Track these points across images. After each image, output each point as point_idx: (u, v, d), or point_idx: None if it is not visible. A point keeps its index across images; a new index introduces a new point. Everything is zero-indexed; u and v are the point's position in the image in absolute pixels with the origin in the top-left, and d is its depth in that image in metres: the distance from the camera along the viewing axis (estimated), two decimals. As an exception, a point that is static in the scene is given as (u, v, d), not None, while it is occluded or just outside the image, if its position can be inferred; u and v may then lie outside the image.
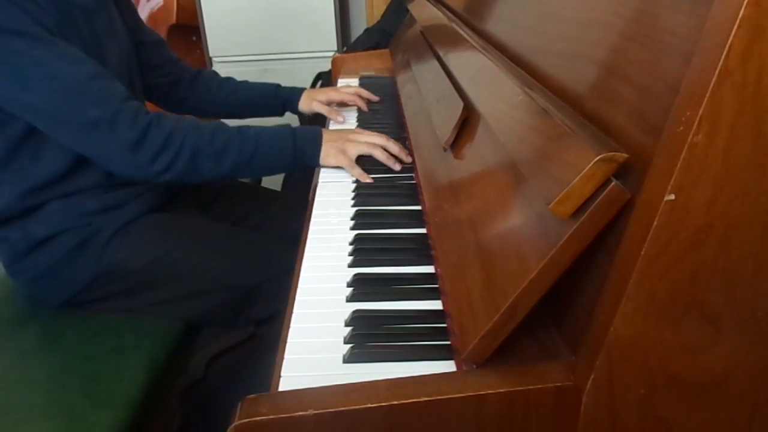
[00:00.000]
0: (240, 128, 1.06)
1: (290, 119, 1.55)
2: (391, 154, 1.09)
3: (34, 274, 1.10)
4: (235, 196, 1.37)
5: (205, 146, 1.01)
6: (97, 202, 1.09)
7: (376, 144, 1.08)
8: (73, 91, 0.95)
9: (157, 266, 1.09)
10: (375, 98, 1.43)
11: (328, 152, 1.07)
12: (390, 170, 1.10)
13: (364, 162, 1.09)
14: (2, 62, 0.93)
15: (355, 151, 1.07)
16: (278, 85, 1.43)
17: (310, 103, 1.40)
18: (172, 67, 1.35)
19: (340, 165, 1.07)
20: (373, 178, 1.06)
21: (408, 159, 1.10)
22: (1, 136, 1.01)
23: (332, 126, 1.35)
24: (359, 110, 1.42)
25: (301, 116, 1.54)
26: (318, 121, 1.47)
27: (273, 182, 1.98)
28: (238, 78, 1.45)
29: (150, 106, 1.37)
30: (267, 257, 1.13)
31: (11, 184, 1.05)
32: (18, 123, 1.00)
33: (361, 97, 1.42)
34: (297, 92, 1.41)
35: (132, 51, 1.21)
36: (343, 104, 1.43)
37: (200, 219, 1.24)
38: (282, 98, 1.41)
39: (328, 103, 1.40)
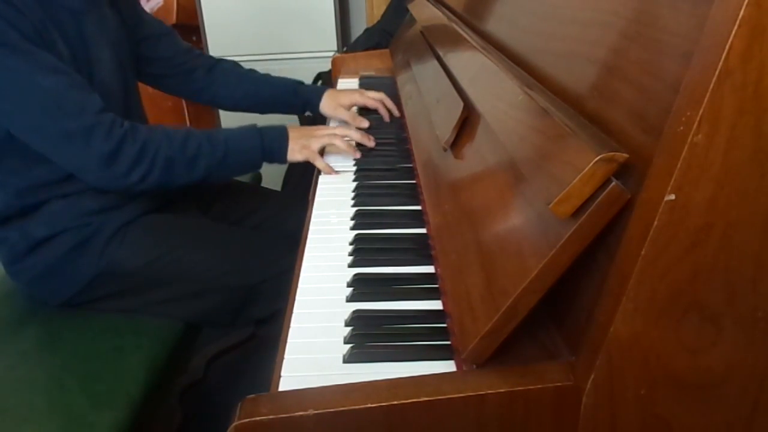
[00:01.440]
0: (209, 134, 1.08)
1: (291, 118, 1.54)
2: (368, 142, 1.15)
3: (34, 274, 1.10)
4: (235, 196, 1.37)
5: (178, 154, 1.03)
6: (97, 202, 1.09)
7: (336, 134, 1.15)
8: (48, 103, 0.95)
9: (157, 266, 1.09)
10: (397, 113, 1.37)
11: (293, 149, 1.12)
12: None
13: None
14: None
15: (317, 144, 1.13)
16: (300, 83, 1.41)
17: (335, 108, 1.36)
18: (183, 57, 1.33)
19: (305, 159, 1.12)
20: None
21: (371, 143, 1.17)
22: None
23: (331, 124, 1.34)
24: (359, 110, 1.40)
25: (301, 118, 1.53)
26: (318, 120, 1.46)
27: (273, 182, 1.98)
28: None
29: (164, 97, 1.37)
30: (267, 257, 1.13)
31: (10, 182, 1.05)
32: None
33: (385, 105, 1.37)
34: (319, 91, 1.38)
35: (128, 49, 1.19)
36: (365, 108, 1.38)
37: (200, 219, 1.24)
38: (303, 97, 1.39)
39: (351, 105, 1.37)
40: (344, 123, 1.32)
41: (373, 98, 1.38)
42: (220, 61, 1.39)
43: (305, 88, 1.40)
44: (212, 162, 1.06)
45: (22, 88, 0.94)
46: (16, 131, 0.99)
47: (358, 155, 1.15)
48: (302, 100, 1.40)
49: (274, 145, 1.11)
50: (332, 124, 1.37)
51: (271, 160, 1.13)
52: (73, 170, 1.03)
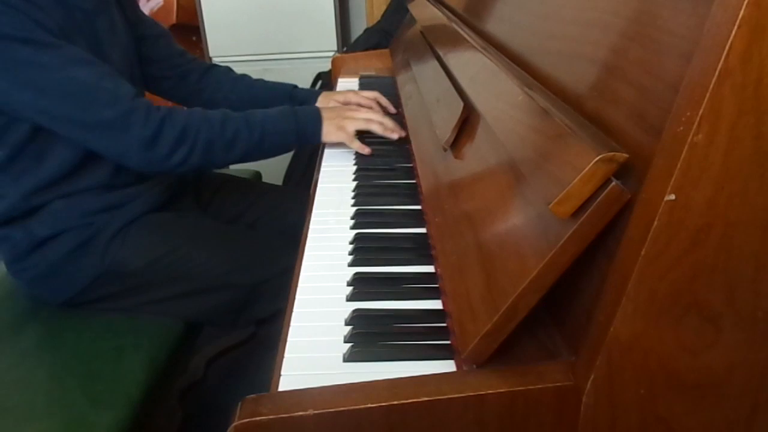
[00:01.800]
0: (246, 115, 1.09)
1: None
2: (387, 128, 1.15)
3: (36, 274, 1.10)
4: (235, 192, 1.37)
5: (217, 137, 1.05)
6: (99, 202, 1.09)
7: (373, 120, 1.15)
8: (84, 94, 0.96)
9: (159, 265, 1.10)
10: (392, 110, 1.38)
11: (328, 129, 1.13)
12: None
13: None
14: (12, 69, 0.94)
15: (353, 126, 1.13)
16: (294, 86, 1.42)
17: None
18: (178, 59, 1.34)
19: (340, 140, 1.13)
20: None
21: (402, 133, 1.17)
22: (5, 139, 1.01)
23: None
24: None
25: None
26: None
27: (274, 177, 1.98)
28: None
29: (157, 100, 1.37)
30: (268, 256, 1.13)
31: (14, 185, 1.05)
32: (22, 126, 1.00)
33: (379, 104, 1.37)
34: (314, 95, 1.39)
35: (133, 50, 1.20)
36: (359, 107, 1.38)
37: (202, 218, 1.24)
38: (298, 101, 1.39)
39: (346, 104, 1.37)
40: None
41: (367, 97, 1.38)
42: (214, 66, 1.40)
43: (300, 92, 1.41)
44: (250, 144, 1.08)
45: (56, 83, 0.95)
46: (55, 126, 1.00)
47: (395, 137, 1.16)
48: (297, 103, 1.38)
49: (308, 126, 1.12)
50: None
51: (306, 141, 1.13)
52: (115, 157, 1.05)
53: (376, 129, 1.15)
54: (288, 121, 1.11)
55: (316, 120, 1.13)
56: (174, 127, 1.02)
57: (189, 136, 1.03)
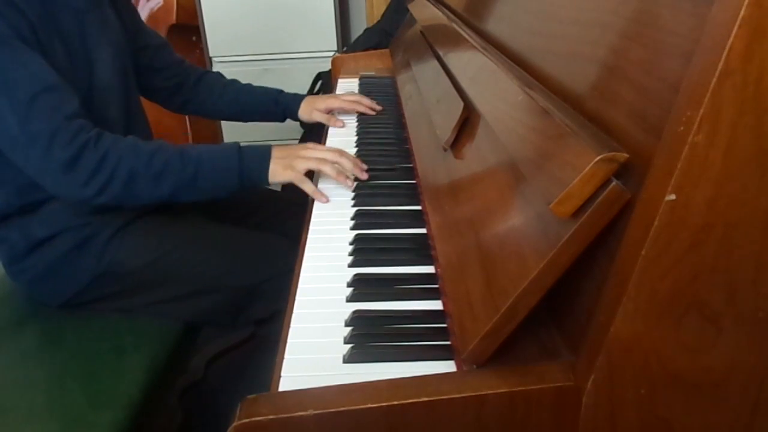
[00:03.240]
0: (182, 149, 1.02)
1: (291, 125, 1.55)
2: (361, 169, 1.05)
3: (34, 275, 1.10)
4: (235, 197, 1.37)
5: (143, 168, 0.98)
6: None
7: (327, 160, 1.03)
8: (20, 101, 0.93)
9: (157, 266, 1.09)
10: (377, 108, 1.40)
11: (275, 169, 1.03)
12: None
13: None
14: None
15: (303, 166, 1.02)
16: (280, 91, 1.42)
17: (311, 112, 1.38)
18: (176, 69, 1.35)
19: (288, 180, 1.03)
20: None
21: (363, 176, 1.04)
22: None
23: (331, 132, 1.34)
24: (359, 112, 1.41)
25: (302, 124, 1.53)
26: (315, 128, 1.47)
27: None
28: (239, 78, 1.45)
29: (153, 107, 1.38)
30: (267, 257, 1.13)
31: (13, 177, 1.04)
32: None
33: (362, 104, 1.40)
34: (298, 99, 1.40)
35: (128, 52, 1.20)
36: (343, 111, 1.41)
37: (200, 219, 1.24)
38: (283, 105, 1.41)
39: (328, 111, 1.39)
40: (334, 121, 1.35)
41: (349, 101, 1.38)
42: (206, 73, 1.41)
43: (285, 97, 1.41)
44: (181, 180, 1.00)
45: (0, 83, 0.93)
46: None
47: (350, 184, 1.03)
48: (282, 108, 1.41)
49: (253, 165, 1.03)
50: (332, 131, 1.37)
51: (250, 183, 1.04)
52: (33, 175, 0.99)
53: (328, 171, 1.02)
54: (230, 159, 1.02)
55: (262, 160, 1.03)
56: (95, 153, 0.95)
57: (109, 165, 0.96)
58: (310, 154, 1.04)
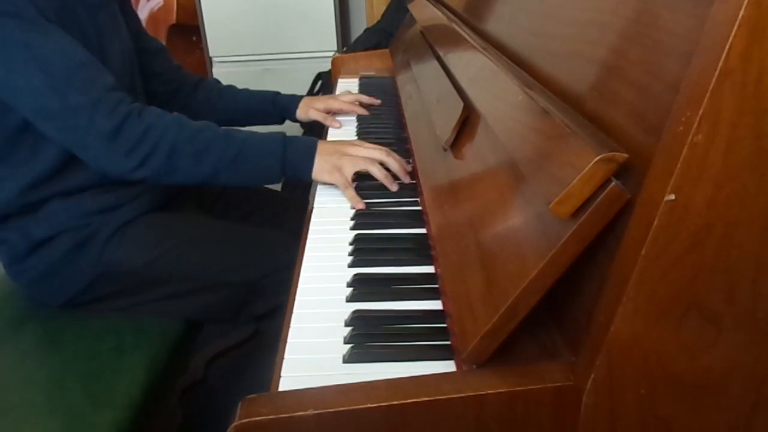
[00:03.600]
0: (228, 131, 1.01)
1: (289, 127, 1.55)
2: (391, 172, 1.01)
3: (34, 275, 1.10)
4: (236, 197, 1.37)
5: (186, 144, 0.97)
6: (96, 203, 1.09)
7: (375, 159, 1.00)
8: (57, 76, 0.94)
9: (157, 265, 1.09)
10: (376, 102, 1.41)
11: (322, 167, 1.00)
12: (390, 170, 1.09)
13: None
14: None
15: (351, 167, 0.99)
16: (277, 93, 1.42)
17: (307, 110, 1.38)
18: (173, 74, 1.36)
19: (333, 182, 1.00)
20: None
21: (407, 179, 1.02)
22: None
23: (330, 133, 1.34)
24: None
25: (302, 124, 1.53)
26: (315, 128, 1.47)
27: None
28: (239, 78, 1.46)
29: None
30: (267, 252, 1.12)
31: (11, 178, 1.04)
32: (15, 114, 1.00)
33: (361, 103, 1.40)
34: (295, 100, 1.40)
35: (133, 50, 1.21)
36: (342, 112, 1.41)
37: (199, 217, 1.24)
38: (280, 106, 1.41)
39: (326, 112, 1.38)
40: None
41: (347, 101, 1.38)
42: (203, 80, 1.41)
43: (282, 98, 1.41)
44: (222, 161, 0.98)
45: (31, 60, 0.93)
46: (23, 107, 0.98)
47: (395, 188, 0.99)
48: (279, 109, 1.41)
49: (297, 158, 1.00)
50: (331, 132, 1.37)
51: (293, 176, 1.01)
52: (75, 148, 0.99)
53: (376, 173, 0.99)
54: (275, 147, 1.00)
55: (308, 152, 1.00)
56: (139, 124, 0.96)
57: (152, 137, 0.96)
58: (359, 153, 1.01)
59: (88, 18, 1.05)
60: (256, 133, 1.04)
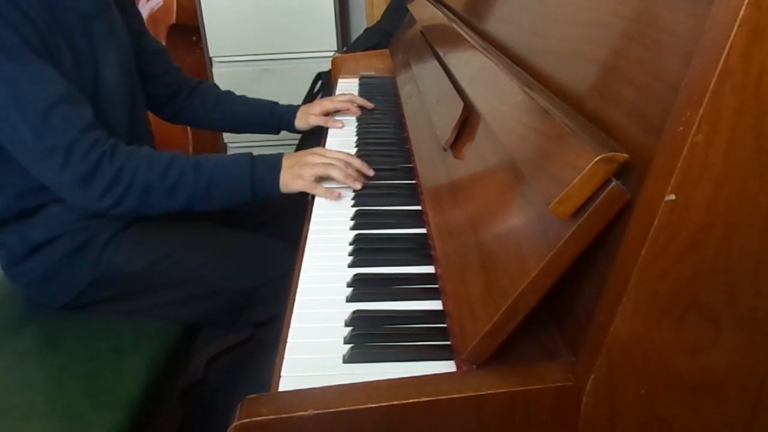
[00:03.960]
0: (197, 161, 1.03)
1: (285, 135, 1.55)
2: (358, 172, 1.05)
3: (33, 278, 1.10)
4: None
5: (157, 181, 0.99)
6: None
7: (335, 164, 1.03)
8: (35, 114, 0.93)
9: (155, 270, 1.09)
10: (369, 105, 1.42)
11: (285, 179, 1.04)
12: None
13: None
14: None
15: (310, 173, 1.03)
16: (275, 104, 1.43)
17: (307, 118, 1.39)
18: (172, 77, 1.36)
19: (301, 189, 1.03)
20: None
21: (370, 172, 1.06)
22: None
23: (330, 133, 1.34)
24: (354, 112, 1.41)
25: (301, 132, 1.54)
26: (315, 130, 1.47)
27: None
28: (239, 78, 1.45)
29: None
30: (266, 260, 1.12)
31: (10, 183, 1.04)
32: None
33: (355, 103, 1.41)
34: (293, 111, 1.41)
35: (133, 56, 1.20)
36: (338, 111, 1.42)
37: (198, 222, 1.24)
38: (277, 117, 1.41)
39: (324, 114, 1.39)
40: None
41: (342, 101, 1.39)
42: (201, 83, 1.41)
43: (280, 109, 1.42)
44: (194, 192, 1.01)
45: (9, 96, 0.93)
46: (2, 140, 0.98)
47: (358, 186, 1.03)
48: (276, 120, 1.42)
49: (265, 176, 1.04)
50: (332, 132, 1.37)
51: (263, 194, 1.05)
52: (51, 187, 1.01)
53: (336, 175, 1.02)
54: (242, 170, 1.03)
55: (273, 170, 1.04)
56: (111, 167, 0.97)
57: (124, 178, 0.98)
58: (317, 160, 1.05)
59: (82, 29, 1.04)
60: (223, 156, 1.07)
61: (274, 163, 1.05)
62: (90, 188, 0.97)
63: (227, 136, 2.58)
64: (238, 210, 1.34)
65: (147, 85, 1.30)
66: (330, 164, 1.03)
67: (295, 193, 1.04)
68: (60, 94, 0.96)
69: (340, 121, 1.37)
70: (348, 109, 1.40)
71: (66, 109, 0.96)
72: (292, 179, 1.04)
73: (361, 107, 1.42)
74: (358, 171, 1.05)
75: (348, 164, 1.04)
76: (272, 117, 1.41)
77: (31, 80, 0.94)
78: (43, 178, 1.00)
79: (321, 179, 1.04)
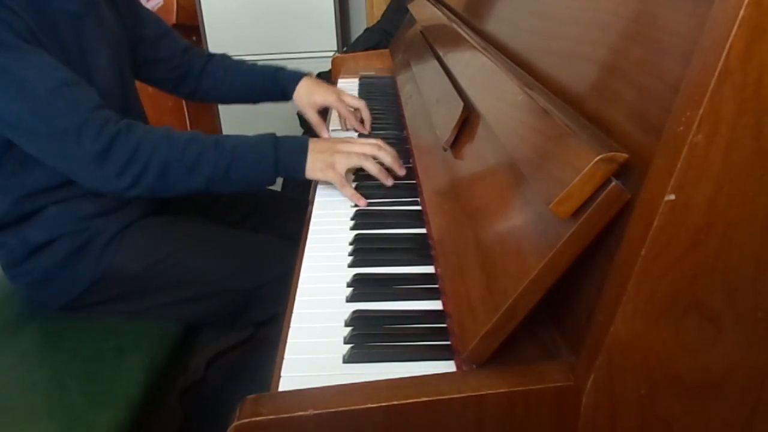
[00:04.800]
0: (218, 139, 1.00)
1: (291, 124, 1.52)
2: (385, 167, 1.01)
3: (33, 279, 1.10)
4: (235, 197, 1.36)
5: (176, 159, 0.96)
6: (94, 207, 1.08)
7: (368, 154, 0.99)
8: (39, 101, 0.92)
9: (156, 270, 1.09)
10: (368, 129, 1.30)
11: (314, 165, 0.99)
12: (390, 170, 1.09)
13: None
14: None
15: (344, 163, 0.98)
16: (279, 69, 1.36)
17: (307, 105, 1.31)
18: (181, 58, 1.33)
19: (328, 180, 0.99)
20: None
21: (402, 172, 1.02)
22: None
23: (332, 130, 1.33)
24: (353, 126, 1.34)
25: (302, 122, 1.48)
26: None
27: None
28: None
29: (164, 96, 1.35)
30: (267, 260, 1.12)
31: (7, 189, 1.04)
32: None
33: (359, 118, 1.31)
34: (295, 79, 1.33)
35: (125, 52, 1.19)
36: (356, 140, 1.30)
37: (199, 222, 1.24)
38: (281, 84, 1.35)
39: (324, 108, 1.32)
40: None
41: (349, 105, 1.30)
42: (212, 58, 1.38)
43: (283, 74, 1.35)
44: (215, 171, 0.97)
45: (10, 86, 0.91)
46: (8, 132, 0.97)
47: (390, 183, 0.99)
48: (280, 87, 1.35)
49: (290, 159, 0.99)
50: (333, 120, 1.37)
51: (286, 176, 1.00)
52: (65, 171, 0.99)
53: (370, 168, 0.98)
54: (265, 150, 0.98)
55: (299, 152, 0.99)
56: (127, 144, 0.94)
57: (142, 155, 0.94)
58: (351, 149, 0.99)
59: (71, 29, 1.02)
60: (246, 137, 1.02)
61: (300, 145, 1.00)
62: (107, 167, 0.94)
63: (227, 131, 2.57)
64: (237, 208, 1.34)
65: (155, 71, 1.29)
66: (364, 155, 0.99)
67: (314, 180, 0.99)
68: (61, 78, 0.94)
69: (327, 131, 1.29)
70: (347, 118, 1.31)
71: (71, 91, 0.94)
72: (323, 168, 0.98)
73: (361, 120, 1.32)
74: (390, 166, 1.00)
75: (379, 156, 0.99)
76: (275, 84, 1.34)
77: (29, 68, 0.92)
78: (59, 164, 0.98)
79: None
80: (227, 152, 0.98)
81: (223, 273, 1.10)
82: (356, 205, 0.97)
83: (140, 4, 1.30)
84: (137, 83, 1.26)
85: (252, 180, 1.01)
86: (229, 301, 1.11)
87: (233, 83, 1.37)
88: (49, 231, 1.07)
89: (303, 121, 2.25)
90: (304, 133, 2.12)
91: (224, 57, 1.41)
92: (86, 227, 1.07)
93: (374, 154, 1.00)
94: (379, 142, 1.02)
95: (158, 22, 1.32)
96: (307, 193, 1.08)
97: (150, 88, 1.38)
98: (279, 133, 1.03)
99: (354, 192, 0.98)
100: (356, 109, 1.31)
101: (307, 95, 1.31)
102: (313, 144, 1.00)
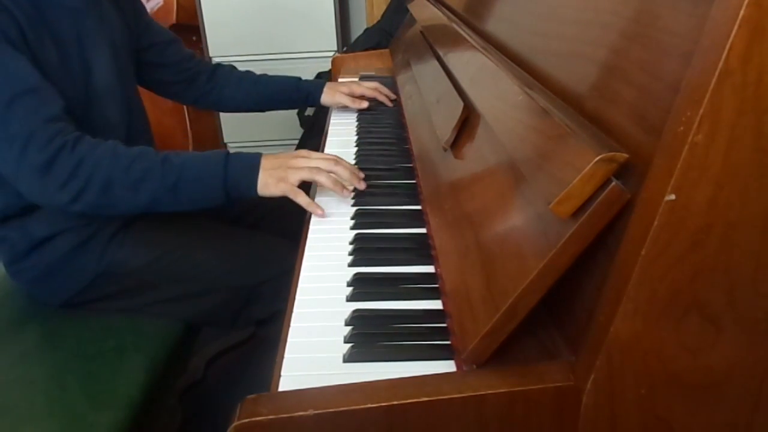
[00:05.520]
0: (167, 156, 0.97)
1: (291, 125, 1.55)
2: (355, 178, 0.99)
3: (35, 274, 1.10)
4: None
5: (120, 176, 0.93)
6: None
7: (321, 168, 0.97)
8: (1, 103, 0.91)
9: (158, 266, 1.09)
10: (392, 96, 1.46)
11: (267, 182, 0.96)
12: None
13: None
14: None
15: (295, 177, 0.96)
16: (299, 79, 1.45)
17: (334, 95, 1.42)
18: (187, 64, 1.36)
19: (281, 194, 0.97)
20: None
21: (361, 185, 0.99)
22: None
23: (331, 133, 1.34)
24: (358, 111, 1.42)
25: (302, 122, 1.54)
26: (318, 123, 1.48)
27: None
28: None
29: (153, 107, 1.37)
30: (268, 258, 1.12)
31: (7, 183, 1.04)
32: None
33: (381, 92, 1.45)
34: (320, 86, 1.43)
35: (129, 50, 1.20)
36: (362, 97, 1.45)
37: (201, 219, 1.24)
38: (304, 92, 1.43)
39: (350, 95, 1.42)
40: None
41: (369, 87, 1.44)
42: (219, 66, 1.42)
43: (306, 84, 1.45)
44: (160, 188, 0.94)
45: None
46: None
47: (347, 194, 0.98)
48: (304, 94, 1.44)
49: (241, 177, 0.96)
50: (333, 120, 1.37)
51: (238, 195, 0.98)
52: (8, 178, 0.96)
53: (323, 181, 0.96)
54: (214, 168, 0.96)
55: (250, 170, 0.97)
56: (71, 158, 0.91)
57: (84, 170, 0.92)
58: (303, 164, 0.98)
59: (70, 24, 1.02)
60: (198, 154, 0.99)
61: (251, 163, 0.98)
62: (48, 180, 0.92)
63: (227, 135, 2.57)
64: (238, 206, 1.34)
65: (162, 75, 1.31)
66: (317, 169, 0.97)
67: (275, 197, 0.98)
68: (27, 84, 0.93)
69: (366, 102, 1.41)
70: (374, 96, 1.43)
71: (31, 99, 0.92)
72: (275, 183, 0.96)
73: (376, 100, 1.44)
74: (348, 180, 0.99)
75: (335, 171, 0.98)
76: (298, 92, 1.43)
77: (1, 70, 0.91)
78: (3, 169, 0.96)
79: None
80: (174, 169, 0.95)
81: (224, 269, 1.10)
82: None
83: (146, 11, 1.31)
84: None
85: (200, 198, 0.98)
86: (230, 297, 1.11)
87: (249, 90, 1.41)
88: (51, 225, 1.07)
89: (303, 121, 2.26)
90: (304, 133, 2.12)
91: (232, 67, 1.45)
92: (89, 222, 1.08)
93: (330, 169, 0.98)
94: (335, 157, 1.01)
95: (167, 30, 1.36)
96: (308, 191, 1.08)
97: (150, 89, 1.39)
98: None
99: (310, 201, 0.96)
100: (377, 90, 1.44)
101: (334, 91, 1.43)
102: (265, 161, 0.98)
